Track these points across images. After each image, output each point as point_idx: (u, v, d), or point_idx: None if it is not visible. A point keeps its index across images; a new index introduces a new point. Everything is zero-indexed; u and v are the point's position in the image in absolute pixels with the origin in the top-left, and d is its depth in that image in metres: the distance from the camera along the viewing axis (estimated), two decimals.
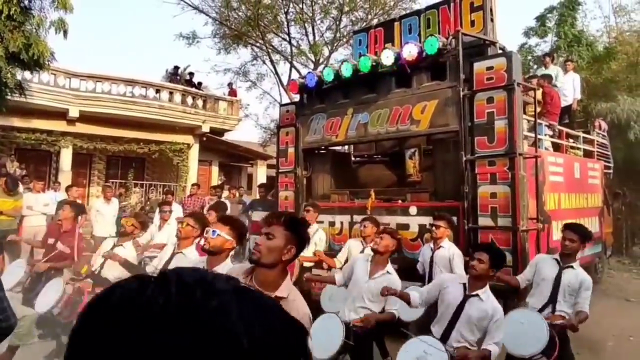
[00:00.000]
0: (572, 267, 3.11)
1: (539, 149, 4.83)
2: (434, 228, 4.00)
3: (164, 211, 5.83)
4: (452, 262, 3.76)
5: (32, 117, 11.05)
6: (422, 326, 3.11)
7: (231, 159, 15.63)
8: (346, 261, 4.17)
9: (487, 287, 2.57)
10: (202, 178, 14.08)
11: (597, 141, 7.71)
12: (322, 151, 6.43)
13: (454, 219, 4.45)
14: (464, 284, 2.58)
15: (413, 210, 4.89)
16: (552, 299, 3.06)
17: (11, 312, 1.67)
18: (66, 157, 11.96)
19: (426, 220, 4.71)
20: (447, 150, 5.04)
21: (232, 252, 2.54)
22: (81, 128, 11.88)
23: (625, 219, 10.15)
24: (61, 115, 11.46)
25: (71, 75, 11.39)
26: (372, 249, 3.18)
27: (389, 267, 3.17)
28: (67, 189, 8.15)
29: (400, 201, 5.13)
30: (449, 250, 3.89)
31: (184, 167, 13.22)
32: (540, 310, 3.03)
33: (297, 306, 1.69)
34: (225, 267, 2.32)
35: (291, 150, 6.18)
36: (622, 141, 10.55)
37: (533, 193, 4.54)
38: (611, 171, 8.11)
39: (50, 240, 4.38)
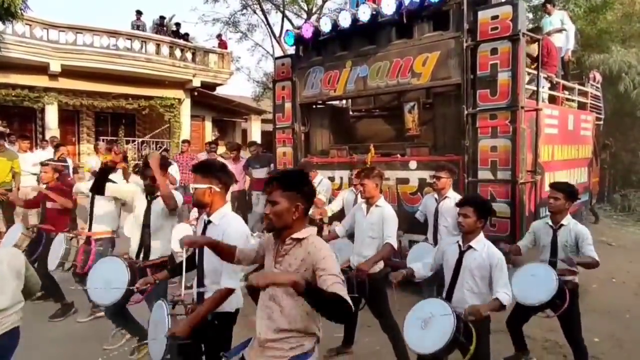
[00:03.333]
0: (562, 225, 3.19)
1: (538, 101, 4.85)
2: (435, 180, 4.04)
3: None
4: None
5: (10, 72, 10.54)
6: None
7: (224, 114, 15.35)
8: (342, 215, 4.35)
9: (481, 236, 2.61)
10: (195, 134, 13.89)
11: (591, 93, 7.76)
12: (320, 106, 6.35)
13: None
14: (458, 242, 2.65)
15: (413, 164, 4.96)
16: (552, 262, 3.13)
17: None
18: (52, 114, 11.58)
19: (426, 174, 4.80)
20: (448, 103, 5.03)
21: (229, 194, 2.65)
22: (65, 83, 11.42)
23: (610, 168, 10.49)
24: (42, 69, 10.95)
25: (49, 26, 10.75)
26: (363, 198, 3.40)
27: (381, 201, 3.35)
28: (56, 147, 7.89)
29: (399, 155, 5.18)
30: (455, 199, 3.86)
31: (176, 122, 12.98)
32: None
33: (314, 242, 1.73)
34: (222, 211, 2.39)
35: (288, 105, 6.08)
36: (613, 92, 10.63)
37: (530, 146, 4.63)
38: (602, 122, 8.25)
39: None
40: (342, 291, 1.59)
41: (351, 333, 3.40)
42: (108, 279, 2.88)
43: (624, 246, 6.66)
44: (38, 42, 10.51)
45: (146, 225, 3.18)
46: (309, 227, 1.81)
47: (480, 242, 2.59)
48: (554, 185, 3.36)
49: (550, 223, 3.25)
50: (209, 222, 2.36)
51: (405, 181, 5.02)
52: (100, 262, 3.13)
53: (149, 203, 3.20)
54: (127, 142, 12.85)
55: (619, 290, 4.73)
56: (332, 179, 5.61)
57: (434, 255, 2.84)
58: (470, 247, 2.58)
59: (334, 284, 1.59)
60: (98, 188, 3.53)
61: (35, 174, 6.98)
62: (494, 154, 4.42)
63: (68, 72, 11.15)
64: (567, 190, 3.24)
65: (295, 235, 1.73)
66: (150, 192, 3.21)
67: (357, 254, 3.35)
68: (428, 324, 2.39)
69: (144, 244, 3.19)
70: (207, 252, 2.26)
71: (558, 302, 2.89)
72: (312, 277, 1.66)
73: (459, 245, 2.64)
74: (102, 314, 3.91)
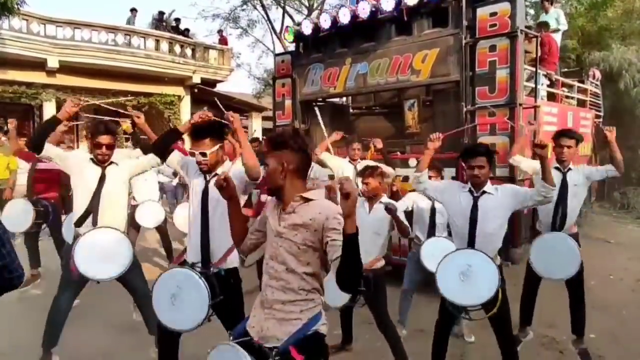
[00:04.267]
0: (570, 169, 3.28)
1: (537, 98, 4.87)
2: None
3: None
4: None
5: (7, 68, 10.48)
6: None
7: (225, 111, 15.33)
8: None
9: (489, 181, 2.67)
10: None
11: (591, 90, 7.77)
12: (320, 103, 6.36)
13: (453, 170, 4.59)
14: (469, 190, 2.66)
15: (412, 162, 4.96)
16: (557, 204, 3.19)
17: (18, 263, 1.68)
18: (50, 111, 11.45)
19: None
20: (447, 100, 5.04)
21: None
22: (63, 80, 11.36)
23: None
24: (39, 65, 10.88)
25: (46, 21, 10.69)
26: (367, 198, 3.35)
27: (384, 198, 3.35)
28: (58, 145, 7.90)
29: (399, 153, 5.19)
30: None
31: (176, 120, 12.95)
32: (554, 218, 3.20)
33: (325, 204, 1.71)
34: (223, 166, 2.47)
35: (288, 102, 6.09)
36: (613, 90, 10.63)
37: (529, 143, 4.64)
38: (601, 120, 8.26)
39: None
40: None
41: (349, 330, 3.42)
42: (106, 254, 2.81)
43: (622, 243, 6.68)
44: (35, 38, 10.45)
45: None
46: (317, 190, 1.78)
47: (491, 186, 2.65)
48: (564, 134, 3.35)
49: (558, 166, 3.29)
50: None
51: (405, 179, 5.03)
52: (100, 234, 2.91)
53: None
54: (127, 140, 12.83)
55: (616, 287, 4.76)
56: (332, 176, 5.61)
57: (440, 185, 2.90)
58: (484, 191, 2.63)
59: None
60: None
61: None
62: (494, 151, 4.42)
63: (66, 69, 11.10)
64: (578, 137, 3.34)
65: (305, 195, 1.72)
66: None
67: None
68: (468, 277, 2.37)
69: None
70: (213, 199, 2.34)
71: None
72: (319, 237, 1.66)
73: (471, 192, 2.65)
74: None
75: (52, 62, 10.87)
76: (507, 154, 4.27)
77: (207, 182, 2.43)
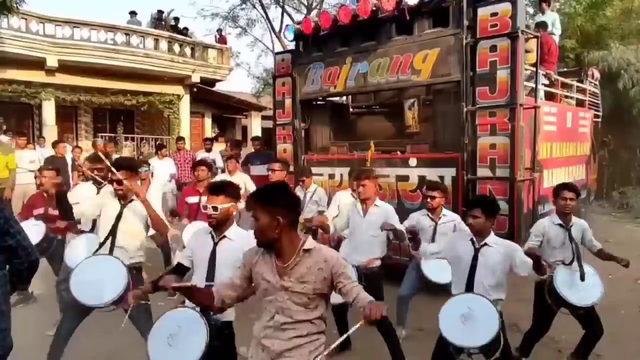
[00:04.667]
0: (574, 224, 3.32)
1: (537, 99, 4.88)
2: (428, 199, 3.72)
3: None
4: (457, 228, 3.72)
5: (6, 67, 10.41)
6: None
7: (224, 110, 15.30)
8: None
9: (492, 233, 2.70)
10: (195, 131, 13.85)
11: (590, 90, 7.80)
12: (321, 102, 6.36)
13: (453, 170, 4.60)
14: (472, 239, 2.70)
15: (413, 161, 4.98)
16: (578, 256, 3.19)
17: (32, 248, 1.94)
18: (49, 110, 11.46)
19: (426, 171, 4.83)
20: (447, 100, 5.04)
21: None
22: (62, 79, 11.30)
23: (608, 165, 10.53)
24: (38, 65, 10.82)
25: (45, 20, 10.61)
26: (361, 200, 3.37)
27: (377, 201, 3.38)
28: (54, 144, 7.78)
29: (399, 152, 5.20)
30: (453, 220, 3.75)
31: (175, 119, 12.90)
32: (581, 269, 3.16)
33: (326, 252, 1.80)
34: (232, 229, 2.45)
35: (288, 101, 6.08)
36: (611, 89, 10.65)
37: (529, 143, 4.66)
38: (600, 120, 8.30)
39: (39, 210, 4.18)
40: (369, 296, 1.72)
41: (346, 330, 3.41)
42: (102, 280, 2.80)
43: (621, 243, 6.70)
44: (34, 37, 10.38)
45: None
46: (309, 239, 1.82)
47: (493, 239, 2.68)
48: (568, 187, 3.38)
49: (562, 223, 3.29)
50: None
51: (405, 178, 5.04)
52: (98, 260, 3.01)
53: None
54: (126, 139, 12.76)
55: (615, 287, 4.75)
56: (332, 175, 5.63)
57: (445, 246, 2.89)
58: (485, 244, 2.65)
59: (362, 291, 1.74)
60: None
61: (32, 171, 6.75)
62: (493, 152, 4.45)
63: (65, 68, 11.05)
64: (578, 190, 3.39)
65: (306, 247, 1.77)
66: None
67: (357, 253, 3.33)
68: (468, 319, 2.42)
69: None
70: (221, 266, 2.34)
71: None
72: (328, 284, 1.76)
73: (473, 242, 2.68)
74: None
75: (51, 61, 10.81)
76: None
77: (215, 244, 2.41)
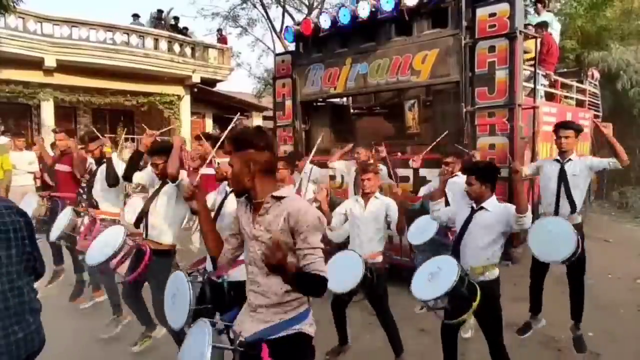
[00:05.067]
0: (570, 159, 3.42)
1: (536, 99, 4.90)
2: (444, 166, 3.99)
3: None
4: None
5: (3, 67, 10.34)
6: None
7: (225, 111, 15.23)
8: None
9: (493, 198, 2.72)
10: (196, 131, 13.83)
11: (589, 90, 7.81)
12: (321, 103, 6.37)
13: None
14: (472, 205, 2.75)
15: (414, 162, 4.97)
16: (557, 194, 3.39)
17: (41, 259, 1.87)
18: (47, 111, 11.38)
19: (426, 172, 4.83)
20: (447, 101, 5.06)
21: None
22: (60, 79, 11.24)
23: None
24: (36, 64, 10.75)
25: (43, 20, 10.55)
26: (364, 193, 3.36)
27: (377, 194, 3.39)
28: (53, 145, 7.72)
29: (400, 153, 5.21)
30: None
31: (175, 119, 12.86)
32: (556, 208, 3.38)
33: (297, 203, 1.64)
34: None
35: (288, 102, 6.10)
36: (611, 90, 10.67)
37: (529, 143, 4.67)
38: (600, 120, 8.30)
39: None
40: (323, 268, 1.58)
41: (343, 330, 3.40)
42: (106, 242, 3.10)
43: (621, 243, 6.73)
44: (32, 36, 10.33)
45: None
46: (286, 187, 1.75)
47: (492, 203, 2.70)
48: (562, 125, 3.55)
49: (558, 158, 3.48)
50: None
51: (405, 179, 5.04)
52: (106, 230, 3.33)
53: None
54: (126, 140, 12.74)
55: (614, 286, 4.79)
56: (333, 177, 5.64)
57: (450, 209, 2.99)
58: (482, 207, 2.70)
59: (317, 261, 1.58)
60: (128, 175, 3.54)
61: (31, 173, 6.80)
62: (492, 152, 4.47)
63: (64, 68, 10.99)
64: (576, 127, 3.52)
65: (275, 193, 1.66)
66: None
67: (361, 247, 3.29)
68: (435, 276, 2.53)
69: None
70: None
71: (575, 253, 3.07)
72: (290, 238, 1.61)
73: (472, 207, 2.75)
74: (102, 298, 4.06)
75: (50, 61, 10.75)
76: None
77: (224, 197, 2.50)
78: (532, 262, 3.47)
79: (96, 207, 4.00)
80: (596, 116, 8.04)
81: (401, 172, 5.07)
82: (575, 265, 3.26)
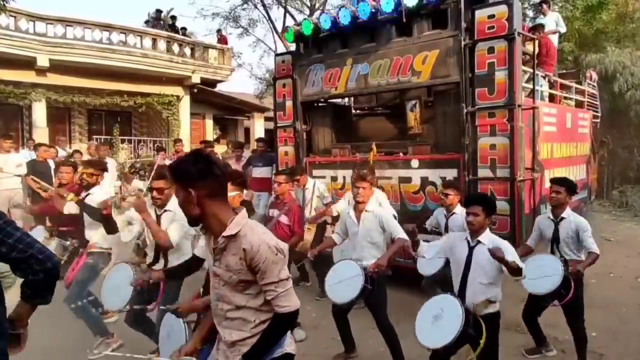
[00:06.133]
0: (563, 218, 3.37)
1: (535, 99, 4.92)
2: (443, 196, 4.14)
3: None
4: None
5: None
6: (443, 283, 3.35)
7: (226, 111, 15.18)
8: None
9: (487, 231, 2.72)
10: (196, 132, 13.76)
11: (588, 92, 7.86)
12: (322, 104, 6.37)
13: (455, 171, 4.64)
14: (467, 238, 2.71)
15: (415, 163, 5.00)
16: (552, 252, 3.35)
17: (45, 254, 1.65)
18: (39, 112, 11.19)
19: (428, 172, 4.85)
20: (448, 101, 5.06)
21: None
22: (54, 79, 11.07)
23: (607, 165, 10.63)
24: (28, 64, 10.60)
25: (35, 19, 10.45)
26: (356, 202, 3.36)
27: (370, 205, 3.34)
28: (36, 147, 7.28)
29: (401, 154, 5.22)
30: (462, 215, 3.82)
31: (174, 120, 12.77)
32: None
33: (249, 239, 1.53)
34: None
35: (289, 103, 6.09)
36: (609, 91, 10.76)
37: (529, 143, 4.69)
38: (598, 120, 8.36)
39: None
40: (287, 302, 1.54)
41: (348, 338, 3.39)
42: (117, 285, 2.93)
43: (621, 241, 6.76)
44: (24, 35, 10.21)
45: None
46: (238, 218, 1.59)
47: (487, 237, 2.68)
48: (557, 181, 3.54)
49: (552, 217, 3.42)
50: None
51: (407, 180, 5.06)
52: (112, 272, 3.15)
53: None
54: (123, 141, 12.62)
55: (616, 285, 4.81)
56: (334, 178, 5.64)
57: (442, 244, 2.89)
58: (479, 242, 2.66)
59: (279, 296, 1.54)
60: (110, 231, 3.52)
61: (19, 176, 6.51)
62: (493, 152, 4.47)
63: (57, 67, 10.84)
64: (569, 185, 3.45)
65: (226, 233, 1.55)
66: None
67: (357, 259, 3.29)
68: (438, 319, 2.47)
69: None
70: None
71: (563, 292, 3.03)
72: (250, 276, 1.55)
73: (468, 242, 2.69)
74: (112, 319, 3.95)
75: (42, 61, 10.59)
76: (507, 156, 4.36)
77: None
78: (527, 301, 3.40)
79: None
80: (595, 117, 8.10)
81: (403, 172, 5.10)
82: (571, 310, 3.21)
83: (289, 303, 1.56)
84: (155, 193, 3.04)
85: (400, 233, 3.22)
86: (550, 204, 3.48)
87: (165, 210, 3.08)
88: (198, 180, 1.55)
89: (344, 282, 3.01)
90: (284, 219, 4.28)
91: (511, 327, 3.31)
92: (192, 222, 1.64)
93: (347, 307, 3.22)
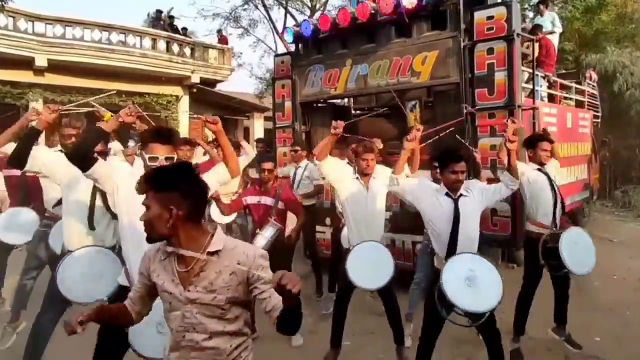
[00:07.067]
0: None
1: (535, 100, 4.89)
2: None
3: None
4: None
5: None
6: None
7: (225, 111, 15.08)
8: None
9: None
10: (195, 133, 13.69)
11: (588, 92, 7.84)
12: (321, 104, 6.33)
13: None
14: (447, 193, 2.67)
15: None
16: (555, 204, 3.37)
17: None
18: None
19: (428, 174, 4.80)
20: (448, 102, 5.04)
21: None
22: (52, 79, 11.01)
23: (609, 164, 10.62)
24: (26, 64, 10.56)
25: (34, 19, 10.43)
26: (366, 174, 3.22)
27: (375, 171, 3.24)
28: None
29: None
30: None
31: (173, 121, 12.71)
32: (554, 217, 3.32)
33: (241, 250, 1.46)
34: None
35: (288, 103, 6.06)
36: (609, 91, 10.76)
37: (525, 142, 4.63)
38: (599, 120, 8.33)
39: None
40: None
41: (340, 333, 3.22)
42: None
43: (624, 242, 6.71)
44: (22, 35, 10.19)
45: None
46: (216, 234, 1.48)
47: (465, 188, 2.70)
48: (545, 138, 3.65)
49: (540, 168, 3.52)
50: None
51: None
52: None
53: None
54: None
55: (619, 287, 4.76)
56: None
57: (412, 191, 2.78)
58: (461, 194, 2.67)
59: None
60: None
61: None
62: (494, 153, 4.44)
63: (55, 67, 10.80)
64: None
65: (211, 249, 1.44)
66: None
67: (363, 235, 3.14)
68: (474, 280, 2.39)
69: None
70: None
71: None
72: (244, 290, 1.45)
73: (448, 195, 2.67)
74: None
75: (40, 61, 10.56)
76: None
77: None
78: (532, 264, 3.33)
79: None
80: (596, 116, 8.07)
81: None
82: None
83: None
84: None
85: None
86: (543, 162, 3.53)
87: None
88: (183, 198, 1.40)
89: (371, 266, 2.90)
90: (280, 205, 3.86)
91: (510, 331, 3.26)
92: (155, 240, 1.46)
93: (350, 294, 3.11)
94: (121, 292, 2.14)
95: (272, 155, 6.43)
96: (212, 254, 1.44)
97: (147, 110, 13.64)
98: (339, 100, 6.97)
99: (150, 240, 1.48)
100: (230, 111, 15.30)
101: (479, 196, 2.71)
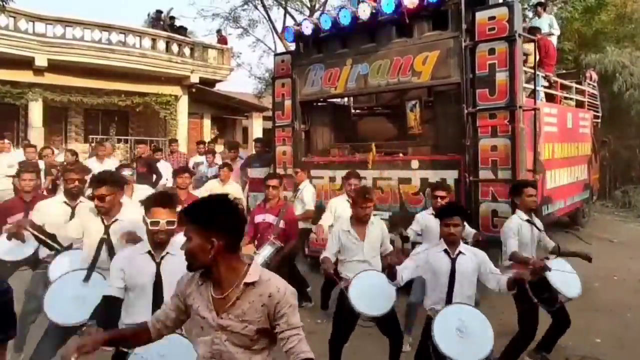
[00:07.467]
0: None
1: (536, 100, 4.88)
2: (434, 199, 3.81)
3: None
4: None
5: None
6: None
7: (224, 111, 15.05)
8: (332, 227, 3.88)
9: (461, 241, 2.70)
10: (194, 132, 13.67)
11: (588, 92, 7.83)
12: (321, 104, 6.31)
13: (455, 172, 4.58)
14: (445, 249, 2.63)
15: (415, 164, 4.94)
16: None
17: None
18: (36, 112, 11.11)
19: (428, 174, 4.79)
20: (449, 102, 5.02)
21: None
22: (51, 79, 11.01)
23: (609, 165, 10.62)
24: (26, 64, 10.56)
25: (35, 19, 10.42)
26: (362, 218, 3.14)
27: (372, 218, 3.20)
28: (25, 147, 7.13)
29: (401, 155, 5.17)
30: None
31: (172, 120, 12.66)
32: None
33: (274, 283, 1.51)
34: (173, 241, 2.28)
35: (288, 102, 6.03)
36: (609, 91, 10.74)
37: (530, 144, 4.64)
38: (599, 120, 8.33)
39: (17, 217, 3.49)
40: (307, 348, 1.49)
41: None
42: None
43: (625, 242, 6.71)
44: (22, 35, 10.18)
45: None
46: (254, 262, 1.56)
47: (464, 247, 2.67)
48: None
49: (528, 218, 3.31)
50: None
51: (407, 181, 5.00)
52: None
53: None
54: (119, 141, 12.54)
55: (620, 288, 4.75)
56: (332, 179, 5.57)
57: (418, 262, 2.74)
58: (460, 252, 2.61)
59: (302, 341, 1.49)
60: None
61: (11, 176, 6.05)
62: (495, 153, 4.43)
63: (55, 67, 10.80)
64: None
65: (248, 280, 1.49)
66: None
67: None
68: (464, 331, 2.38)
69: None
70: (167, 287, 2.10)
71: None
72: (266, 324, 1.49)
73: (447, 253, 2.61)
74: None
75: (40, 61, 10.55)
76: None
77: (157, 265, 2.24)
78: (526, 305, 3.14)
79: None
80: (596, 117, 8.06)
81: (403, 173, 5.04)
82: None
83: (309, 349, 1.50)
84: (97, 201, 2.69)
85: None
86: (533, 209, 3.38)
87: (115, 220, 2.76)
88: (224, 232, 1.46)
89: (372, 292, 2.86)
90: (281, 224, 4.05)
91: (507, 333, 3.24)
92: (196, 269, 1.53)
93: (349, 333, 3.07)
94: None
95: (271, 155, 6.42)
96: (248, 285, 1.49)
97: (147, 110, 13.52)
98: (338, 100, 6.95)
99: (190, 269, 1.54)
100: (229, 111, 15.26)
101: (476, 261, 2.61)
